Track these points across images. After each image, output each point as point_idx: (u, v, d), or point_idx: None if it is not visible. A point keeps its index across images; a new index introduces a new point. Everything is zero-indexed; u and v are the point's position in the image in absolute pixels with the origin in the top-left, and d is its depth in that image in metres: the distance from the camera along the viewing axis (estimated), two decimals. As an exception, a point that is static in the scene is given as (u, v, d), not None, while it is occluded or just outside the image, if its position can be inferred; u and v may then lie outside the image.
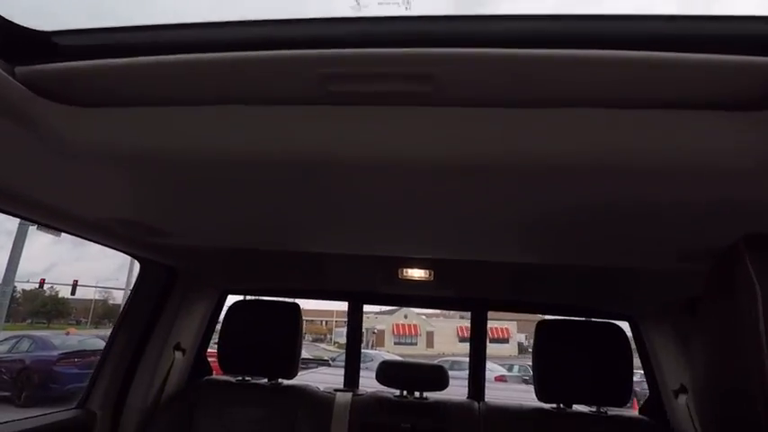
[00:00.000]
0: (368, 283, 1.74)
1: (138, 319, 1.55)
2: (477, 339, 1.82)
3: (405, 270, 1.56)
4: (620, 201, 0.65)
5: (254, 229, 1.00)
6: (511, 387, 6.13)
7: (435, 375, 1.62)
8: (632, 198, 0.64)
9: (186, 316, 1.70)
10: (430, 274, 1.55)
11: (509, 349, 23.20)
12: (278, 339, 1.63)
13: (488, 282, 1.62)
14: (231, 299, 1.78)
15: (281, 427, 1.50)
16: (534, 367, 1.54)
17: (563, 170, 0.56)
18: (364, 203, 0.72)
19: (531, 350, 1.64)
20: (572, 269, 1.38)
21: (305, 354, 10.49)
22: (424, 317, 27.95)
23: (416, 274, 1.56)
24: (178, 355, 1.70)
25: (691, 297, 1.35)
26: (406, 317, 27.10)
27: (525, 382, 8.99)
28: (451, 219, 0.79)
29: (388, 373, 1.65)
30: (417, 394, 1.64)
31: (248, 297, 1.79)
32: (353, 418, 1.53)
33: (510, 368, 11.77)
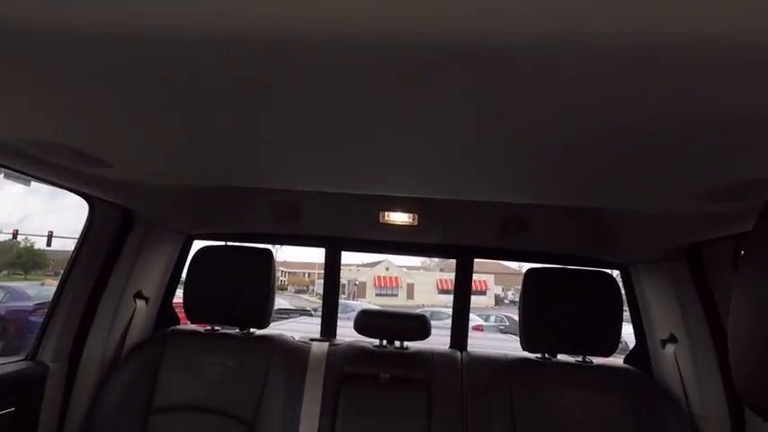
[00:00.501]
0: (346, 227, 1.61)
1: (90, 266, 1.40)
2: (462, 289, 1.74)
3: (387, 214, 1.43)
4: (648, 117, 0.51)
5: (210, 159, 0.84)
6: (488, 336, 6.29)
7: (417, 324, 1.54)
8: (665, 114, 0.49)
9: (147, 263, 1.56)
10: (414, 219, 1.43)
11: (486, 301, 23.98)
12: (249, 287, 1.51)
13: (475, 228, 1.52)
14: (198, 245, 1.63)
15: (253, 378, 1.41)
16: (521, 317, 1.47)
17: (586, 57, 0.40)
18: (336, 115, 0.57)
19: (506, 301, 1.57)
20: (566, 213, 1.27)
21: (287, 304, 10.60)
22: (405, 269, 28.44)
23: (399, 218, 1.44)
24: (140, 304, 1.57)
25: (693, 242, 1.27)
26: (387, 269, 27.53)
27: (501, 331, 9.31)
28: (441, 143, 0.65)
29: (366, 322, 1.56)
30: (398, 344, 1.57)
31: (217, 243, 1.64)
32: (330, 369, 1.45)
33: (487, 318, 12.18)
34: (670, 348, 1.44)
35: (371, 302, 20.86)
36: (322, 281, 1.87)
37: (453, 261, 1.75)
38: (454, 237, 1.62)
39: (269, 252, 1.57)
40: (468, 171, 0.78)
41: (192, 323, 1.57)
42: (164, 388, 1.42)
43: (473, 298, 1.80)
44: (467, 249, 1.73)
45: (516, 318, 1.64)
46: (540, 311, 1.45)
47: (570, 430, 1.31)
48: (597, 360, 1.47)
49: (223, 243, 1.65)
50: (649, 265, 1.48)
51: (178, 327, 1.61)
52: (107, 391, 1.39)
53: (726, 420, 1.29)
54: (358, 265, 27.56)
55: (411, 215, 1.41)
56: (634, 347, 1.60)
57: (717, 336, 1.31)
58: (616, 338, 1.42)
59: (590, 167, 0.72)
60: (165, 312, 1.71)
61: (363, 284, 27.04)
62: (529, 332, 1.45)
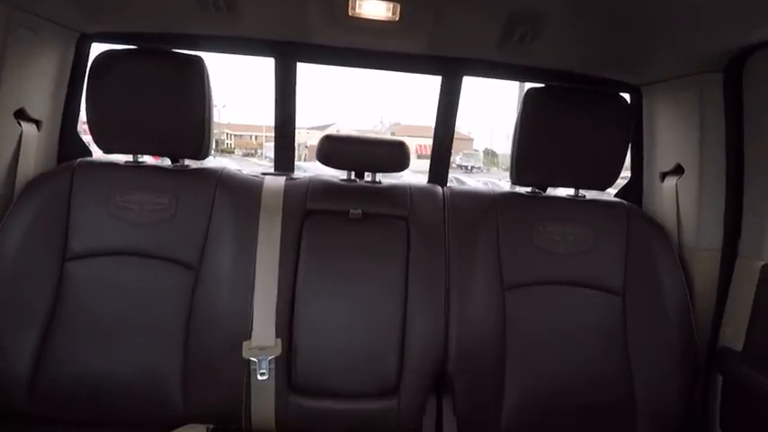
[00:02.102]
0: (303, 26, 1.22)
1: None
2: (447, 110, 1.47)
3: (359, 1, 1.06)
4: None
5: None
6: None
7: (393, 152, 1.28)
8: None
9: (27, 73, 1.13)
10: (394, 11, 1.07)
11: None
12: (177, 106, 1.15)
13: (470, 30, 1.18)
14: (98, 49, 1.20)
15: (193, 218, 1.15)
16: (514, 145, 1.25)
17: None
18: None
19: (454, 165, 1.35)
20: (578, 18, 0.98)
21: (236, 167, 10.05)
22: (356, 132, 27.73)
23: (376, 8, 1.07)
24: (29, 128, 1.18)
25: (738, 53, 1.04)
26: (338, 131, 26.75)
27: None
28: None
29: (331, 149, 1.27)
30: (369, 178, 1.33)
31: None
32: (289, 206, 1.20)
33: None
34: (671, 180, 1.30)
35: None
36: (271, 143, 1.52)
37: (405, 126, 1.45)
38: (441, 44, 1.29)
39: (199, 60, 1.18)
40: None
41: (105, 152, 1.22)
42: (80, 230, 1.13)
43: (417, 163, 1.56)
44: (456, 63, 1.41)
45: (466, 179, 1.43)
46: (536, 138, 1.23)
47: (560, 266, 1.20)
48: (590, 194, 1.33)
49: (132, 47, 1.22)
50: (670, 85, 1.25)
51: (89, 158, 1.25)
52: (2, 239, 1.09)
53: (718, 251, 1.22)
54: (308, 128, 26.53)
55: (391, 4, 1.04)
56: (628, 181, 1.47)
57: (732, 164, 1.17)
58: (617, 170, 1.26)
59: None
60: (70, 142, 1.33)
61: (314, 148, 26.26)
62: (522, 162, 1.24)
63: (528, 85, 1.27)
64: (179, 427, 1.05)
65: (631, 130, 1.23)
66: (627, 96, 1.37)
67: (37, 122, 1.21)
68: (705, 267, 1.23)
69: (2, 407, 1.04)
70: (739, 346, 1.12)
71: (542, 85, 1.26)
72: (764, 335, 1.08)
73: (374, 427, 1.10)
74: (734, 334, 1.15)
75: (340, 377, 1.10)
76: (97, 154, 1.32)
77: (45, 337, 1.06)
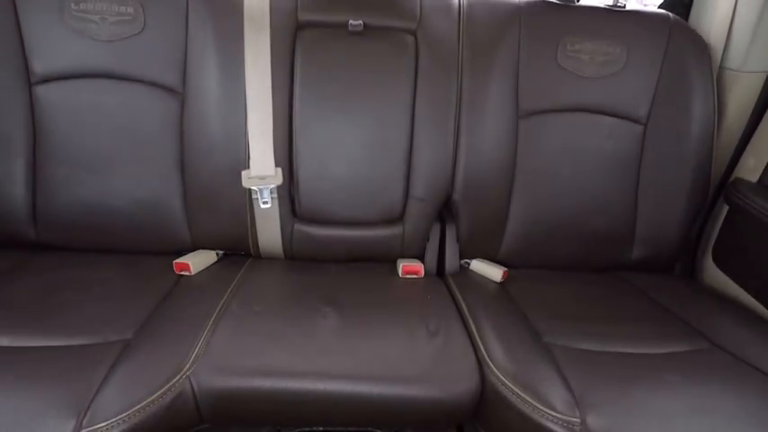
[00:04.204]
0: None
1: None
2: None
3: None
4: None
5: None
6: None
7: None
8: None
9: None
10: None
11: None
12: None
13: None
14: None
15: (165, 31, 0.99)
16: None
17: None
18: None
19: None
20: None
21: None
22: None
23: None
24: None
25: None
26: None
27: None
28: None
29: None
30: None
31: None
32: (277, 17, 1.03)
33: None
34: (732, -12, 1.09)
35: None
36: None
37: None
38: None
39: None
40: None
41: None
42: (37, 48, 0.98)
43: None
44: None
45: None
46: None
47: (584, 91, 1.08)
48: (631, 5, 1.13)
49: None
50: None
51: None
52: None
53: (763, 76, 1.09)
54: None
55: None
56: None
57: None
58: None
59: None
60: None
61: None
62: None
63: None
64: (189, 253, 1.07)
65: None
66: None
67: None
68: (743, 93, 1.12)
69: (10, 236, 1.04)
70: (755, 178, 1.09)
71: None
72: (787, 166, 1.04)
73: (379, 252, 1.13)
74: (753, 165, 1.10)
75: (344, 206, 1.08)
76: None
77: (34, 167, 1.01)
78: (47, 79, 1.00)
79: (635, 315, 0.98)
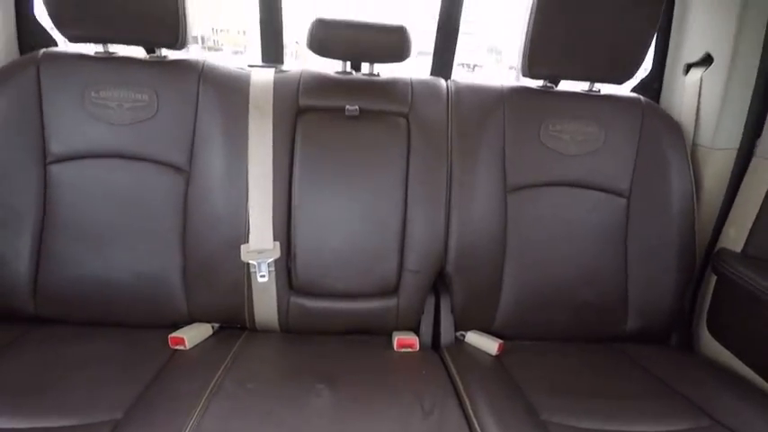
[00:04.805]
0: None
1: None
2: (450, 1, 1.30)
3: None
4: None
5: None
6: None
7: (393, 39, 1.14)
8: None
9: None
10: None
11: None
12: None
13: None
14: None
15: (176, 116, 1.06)
16: (528, 33, 1.12)
17: None
18: None
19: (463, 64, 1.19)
20: None
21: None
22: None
23: None
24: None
25: None
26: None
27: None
28: None
29: (326, 35, 1.14)
30: (366, 69, 1.22)
31: None
32: (280, 101, 1.11)
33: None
34: (696, 74, 1.20)
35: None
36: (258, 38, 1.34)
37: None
38: None
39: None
40: None
41: (70, 41, 1.09)
42: (57, 131, 1.05)
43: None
44: None
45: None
46: (552, 24, 1.10)
47: (566, 167, 1.15)
48: (605, 89, 1.23)
49: None
50: None
51: (54, 48, 1.12)
52: None
53: (733, 152, 1.16)
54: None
55: None
56: (648, 74, 1.35)
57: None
58: (640, 60, 1.14)
59: None
60: (28, 27, 1.19)
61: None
62: (535, 52, 1.12)
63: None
64: (185, 326, 1.08)
65: (661, 12, 1.09)
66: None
67: None
68: (717, 168, 1.19)
69: (9, 310, 1.05)
70: (738, 248, 1.12)
71: None
72: (766, 237, 1.07)
73: (374, 325, 1.13)
74: (735, 235, 1.14)
75: (340, 279, 1.10)
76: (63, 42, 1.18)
77: (40, 241, 1.05)
78: (62, 159, 1.06)
79: (634, 390, 0.97)
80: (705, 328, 1.18)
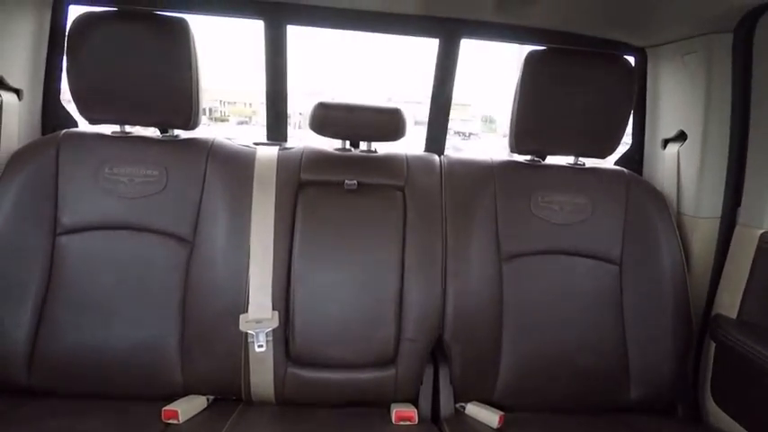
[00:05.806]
0: None
1: None
2: (444, 75, 1.41)
3: None
4: None
5: None
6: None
7: (389, 120, 1.23)
8: None
9: (1, 39, 1.08)
10: None
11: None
12: (162, 71, 1.10)
13: None
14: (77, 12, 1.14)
15: (185, 191, 1.12)
16: (515, 112, 1.21)
17: None
18: None
19: (458, 133, 1.31)
20: None
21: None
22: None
23: None
24: (9, 98, 1.14)
25: (753, 8, 0.99)
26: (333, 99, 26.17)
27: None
28: None
29: (325, 116, 1.23)
30: (364, 147, 1.30)
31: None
32: (282, 176, 1.17)
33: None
34: (673, 148, 1.28)
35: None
36: (263, 108, 1.47)
37: (401, 96, 1.39)
38: (438, 4, 1.23)
39: (183, 22, 1.12)
40: None
41: (91, 123, 1.17)
42: (70, 204, 1.10)
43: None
44: (453, 24, 1.35)
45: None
46: (536, 104, 1.19)
47: (558, 236, 1.19)
48: (589, 162, 1.30)
49: (112, 9, 1.15)
50: (676, 46, 1.20)
51: (74, 129, 1.21)
52: None
53: (717, 220, 1.21)
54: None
55: None
56: (629, 148, 1.44)
57: (737, 131, 1.14)
58: (619, 137, 1.23)
59: None
60: (53, 111, 1.29)
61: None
62: (521, 130, 1.21)
63: (528, 49, 1.22)
64: (179, 398, 1.06)
65: (635, 94, 1.19)
66: (631, 59, 1.32)
67: (17, 91, 1.16)
68: (703, 236, 1.23)
69: (3, 380, 1.04)
70: (734, 314, 1.13)
71: (543, 47, 1.21)
72: (759, 302, 1.09)
73: (372, 396, 1.11)
74: (729, 301, 1.15)
75: (337, 348, 1.10)
76: (84, 123, 1.28)
77: (41, 311, 1.06)
78: (71, 230, 1.10)
79: None
80: (710, 398, 1.16)
